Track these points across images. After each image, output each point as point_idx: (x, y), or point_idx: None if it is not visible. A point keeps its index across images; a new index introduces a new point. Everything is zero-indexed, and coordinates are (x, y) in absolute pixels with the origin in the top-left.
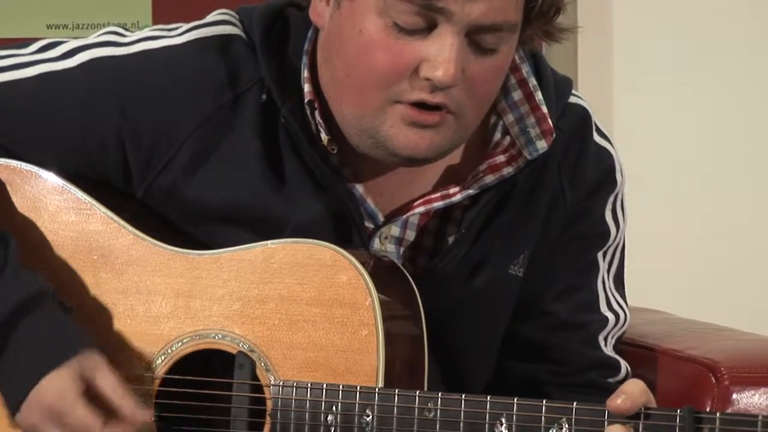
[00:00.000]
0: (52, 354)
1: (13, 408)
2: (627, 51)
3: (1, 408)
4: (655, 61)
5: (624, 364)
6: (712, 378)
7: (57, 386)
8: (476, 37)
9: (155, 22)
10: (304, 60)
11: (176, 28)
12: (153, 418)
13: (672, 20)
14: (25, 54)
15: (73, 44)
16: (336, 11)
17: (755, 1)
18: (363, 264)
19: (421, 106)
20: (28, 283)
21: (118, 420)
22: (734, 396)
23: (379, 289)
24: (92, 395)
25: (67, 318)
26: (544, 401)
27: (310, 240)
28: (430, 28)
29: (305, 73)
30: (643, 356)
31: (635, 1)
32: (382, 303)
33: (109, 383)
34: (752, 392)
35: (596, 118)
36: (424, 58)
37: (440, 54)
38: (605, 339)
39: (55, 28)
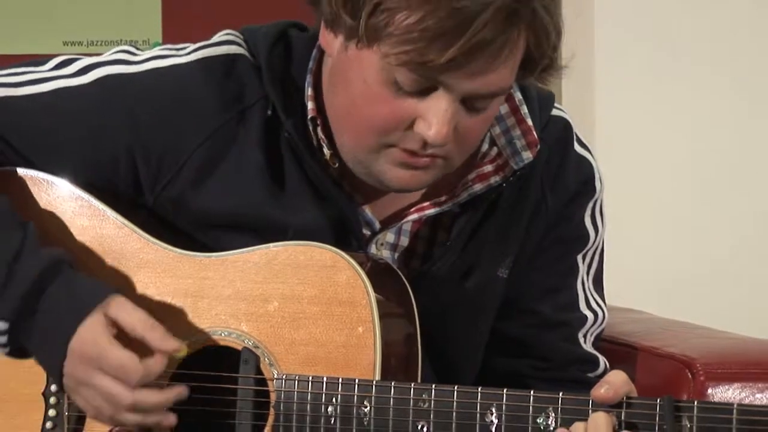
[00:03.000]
0: (79, 308)
1: (57, 371)
2: (608, 66)
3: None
4: (636, 76)
5: (602, 360)
6: (689, 374)
7: (89, 334)
8: (470, 101)
9: (165, 39)
10: (308, 78)
11: (184, 48)
12: (184, 352)
13: (653, 35)
14: (43, 70)
15: (86, 61)
16: (343, 52)
17: (734, 21)
18: (361, 265)
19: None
20: (46, 253)
21: (152, 353)
22: (709, 391)
23: (376, 288)
24: (125, 336)
25: (86, 276)
26: (531, 392)
27: (310, 242)
28: (428, 90)
29: (309, 91)
30: (624, 353)
31: (616, 22)
32: (378, 301)
33: (134, 319)
34: (726, 387)
35: (577, 130)
36: (420, 116)
37: (435, 116)
38: (584, 336)
39: (71, 44)
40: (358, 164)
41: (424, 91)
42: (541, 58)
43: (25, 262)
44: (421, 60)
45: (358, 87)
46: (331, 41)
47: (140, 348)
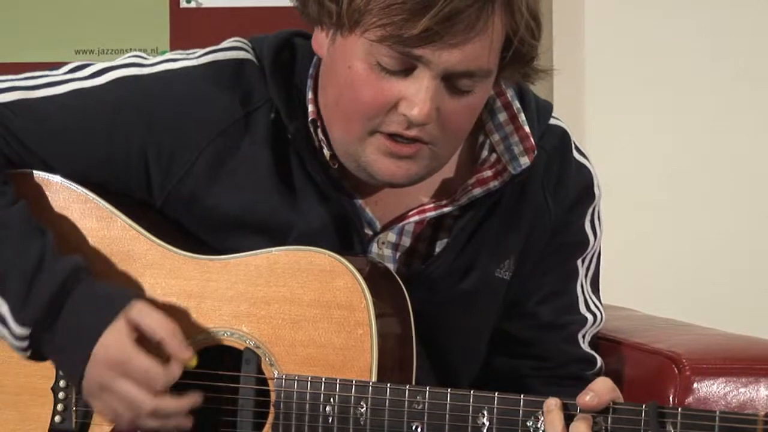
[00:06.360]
0: (102, 314)
1: (78, 376)
2: (599, 69)
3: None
4: (626, 79)
5: (599, 359)
6: (675, 369)
7: (113, 340)
8: (452, 80)
9: (173, 47)
10: (309, 83)
11: (194, 53)
12: (195, 362)
13: (643, 38)
14: (58, 74)
15: (100, 66)
16: (332, 45)
17: (728, 24)
18: (358, 269)
19: (397, 137)
20: (66, 261)
21: (168, 358)
22: (695, 385)
23: (373, 292)
24: (144, 340)
25: (104, 282)
26: (522, 396)
27: (310, 247)
28: (409, 69)
29: (309, 95)
30: (613, 349)
31: (606, 25)
32: (375, 305)
33: (156, 324)
34: (711, 382)
35: (575, 138)
36: (403, 97)
37: (417, 94)
38: (583, 336)
39: (83, 53)
40: (348, 157)
41: (406, 70)
42: (520, 45)
43: (47, 270)
44: (399, 33)
45: (345, 75)
46: (321, 41)
47: (157, 353)
